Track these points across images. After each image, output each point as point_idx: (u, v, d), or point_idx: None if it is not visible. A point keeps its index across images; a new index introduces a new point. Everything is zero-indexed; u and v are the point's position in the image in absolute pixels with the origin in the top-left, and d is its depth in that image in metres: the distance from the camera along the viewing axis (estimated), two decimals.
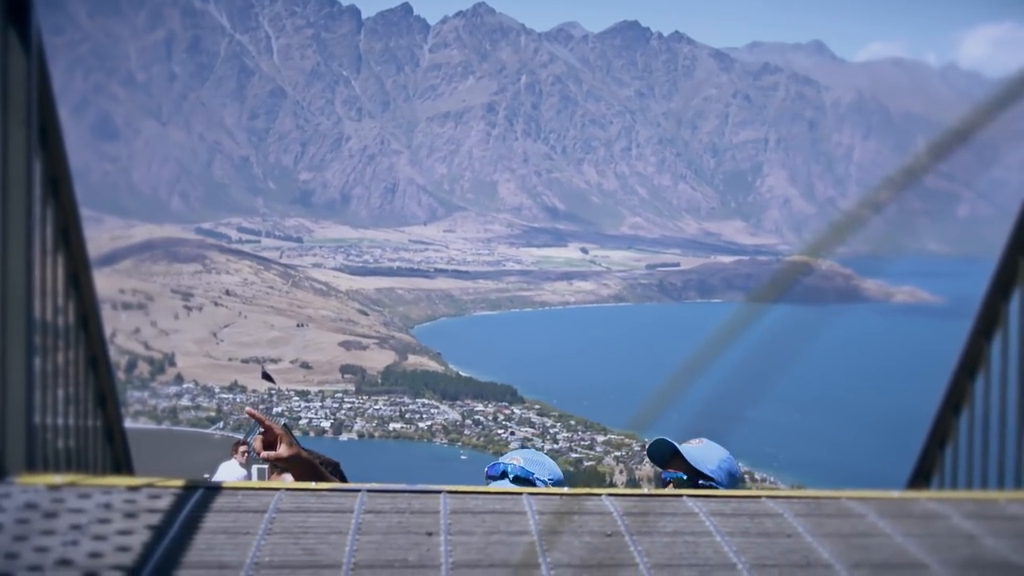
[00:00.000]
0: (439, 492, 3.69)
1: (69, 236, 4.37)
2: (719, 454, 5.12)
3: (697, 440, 5.16)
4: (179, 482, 3.63)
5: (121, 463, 5.38)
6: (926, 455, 5.32)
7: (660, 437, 5.15)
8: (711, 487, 4.94)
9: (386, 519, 3.36)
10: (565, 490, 3.89)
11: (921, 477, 5.37)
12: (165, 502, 3.41)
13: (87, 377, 4.78)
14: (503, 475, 5.00)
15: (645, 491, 3.97)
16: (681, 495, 3.79)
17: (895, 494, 3.97)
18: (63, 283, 4.34)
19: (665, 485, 5.07)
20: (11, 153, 3.62)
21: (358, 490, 3.68)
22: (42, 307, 3.96)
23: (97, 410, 4.99)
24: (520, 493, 3.70)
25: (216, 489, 3.60)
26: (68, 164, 4.26)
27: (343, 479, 5.32)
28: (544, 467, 5.08)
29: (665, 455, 5.16)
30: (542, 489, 3.83)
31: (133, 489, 3.53)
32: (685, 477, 5.00)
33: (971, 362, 4.90)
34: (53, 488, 3.48)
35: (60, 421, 4.33)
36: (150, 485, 3.58)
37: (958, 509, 3.72)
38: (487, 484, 4.97)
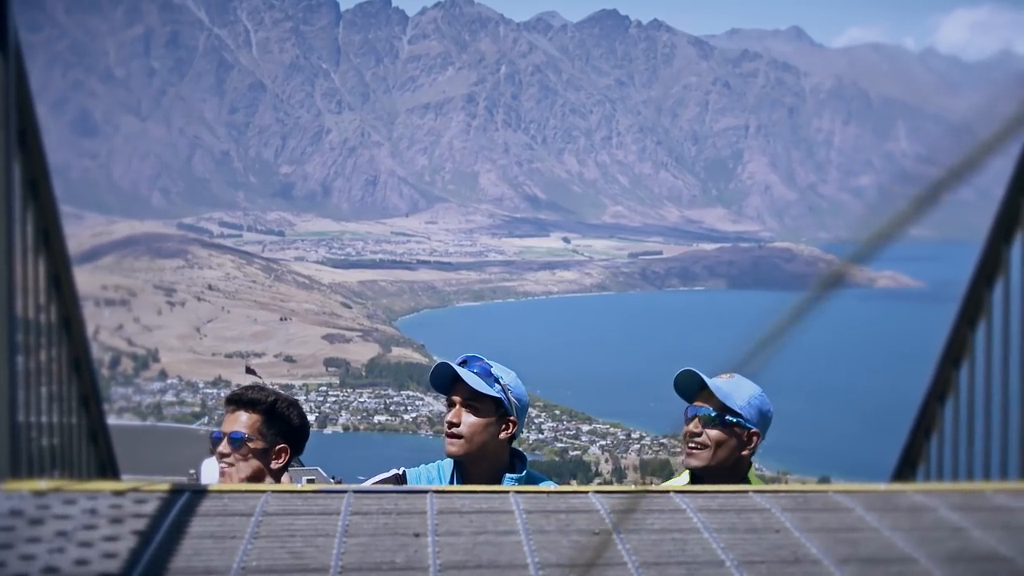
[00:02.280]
0: (425, 492, 3.68)
1: (50, 238, 4.35)
2: (750, 390, 4.97)
3: (727, 374, 4.97)
4: (164, 486, 3.62)
5: (106, 465, 5.36)
6: (912, 444, 5.33)
7: (688, 368, 4.98)
8: (739, 424, 4.84)
9: (373, 520, 3.35)
10: (552, 488, 3.89)
11: (907, 466, 5.38)
12: (151, 507, 3.40)
13: (70, 379, 4.76)
14: (463, 363, 4.95)
15: (632, 488, 3.98)
16: (668, 492, 3.79)
17: (882, 487, 3.98)
18: (44, 285, 4.32)
19: (690, 420, 4.93)
20: None
21: (344, 491, 3.67)
22: (23, 309, 3.94)
23: (81, 411, 4.98)
24: (507, 492, 3.70)
25: (202, 492, 3.60)
26: (48, 166, 4.24)
27: (303, 416, 5.23)
28: (511, 376, 5.03)
29: (693, 389, 5.00)
30: (528, 488, 3.82)
31: (118, 494, 3.52)
32: (713, 413, 4.86)
33: (955, 351, 4.91)
34: (38, 494, 3.46)
35: (44, 422, 4.31)
36: (135, 489, 3.57)
37: (945, 501, 3.72)
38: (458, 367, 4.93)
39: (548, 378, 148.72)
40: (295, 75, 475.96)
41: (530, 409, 5.13)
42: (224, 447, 4.91)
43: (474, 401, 4.86)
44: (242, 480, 4.85)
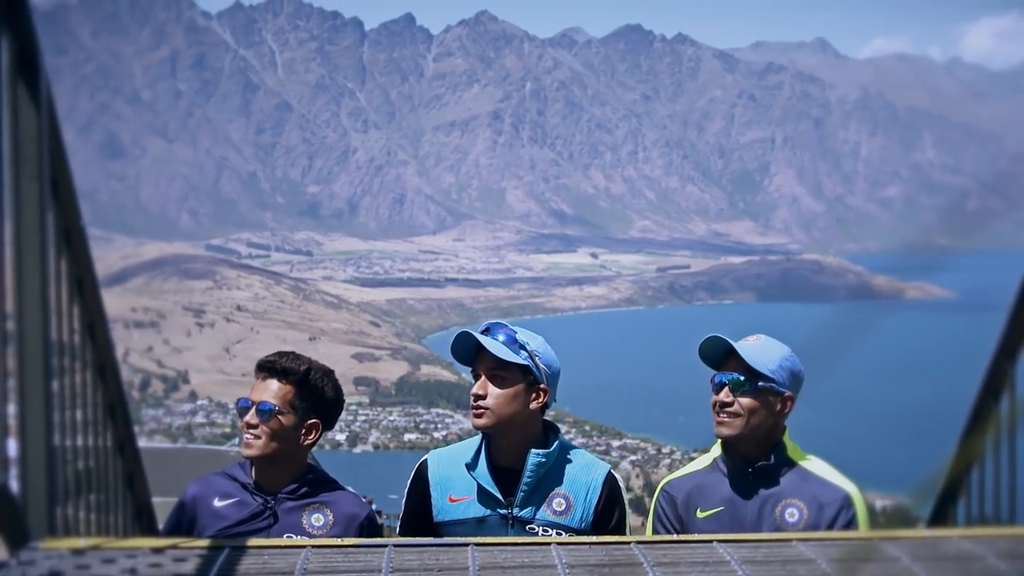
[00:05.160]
0: (466, 545, 3.65)
1: (83, 286, 4.36)
2: (780, 352, 4.70)
3: (754, 337, 4.75)
4: (204, 542, 3.61)
5: (143, 512, 5.35)
6: (952, 477, 5.27)
7: (713, 335, 4.71)
8: (770, 388, 4.60)
9: None
10: (593, 539, 3.84)
11: (948, 500, 5.32)
12: (190, 565, 3.38)
13: (105, 427, 4.76)
14: (487, 332, 4.75)
15: (675, 538, 3.92)
16: (711, 540, 3.74)
17: (927, 533, 3.93)
18: (79, 334, 4.32)
19: (719, 388, 4.66)
20: (24, 207, 3.60)
21: (384, 545, 3.64)
22: (59, 360, 3.93)
23: (116, 459, 4.97)
24: (548, 544, 3.66)
25: (241, 549, 3.57)
26: (81, 215, 4.24)
27: (338, 388, 4.95)
28: (539, 341, 4.79)
29: (719, 355, 4.73)
30: (570, 540, 3.77)
31: (157, 551, 3.50)
32: (742, 378, 4.59)
33: (995, 383, 4.84)
34: (77, 552, 3.45)
35: (80, 478, 4.30)
36: (174, 547, 3.55)
37: (992, 548, 3.66)
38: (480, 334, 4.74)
39: (578, 394, 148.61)
40: (321, 95, 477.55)
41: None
42: (252, 417, 4.60)
43: (500, 371, 4.65)
44: (266, 455, 4.59)
